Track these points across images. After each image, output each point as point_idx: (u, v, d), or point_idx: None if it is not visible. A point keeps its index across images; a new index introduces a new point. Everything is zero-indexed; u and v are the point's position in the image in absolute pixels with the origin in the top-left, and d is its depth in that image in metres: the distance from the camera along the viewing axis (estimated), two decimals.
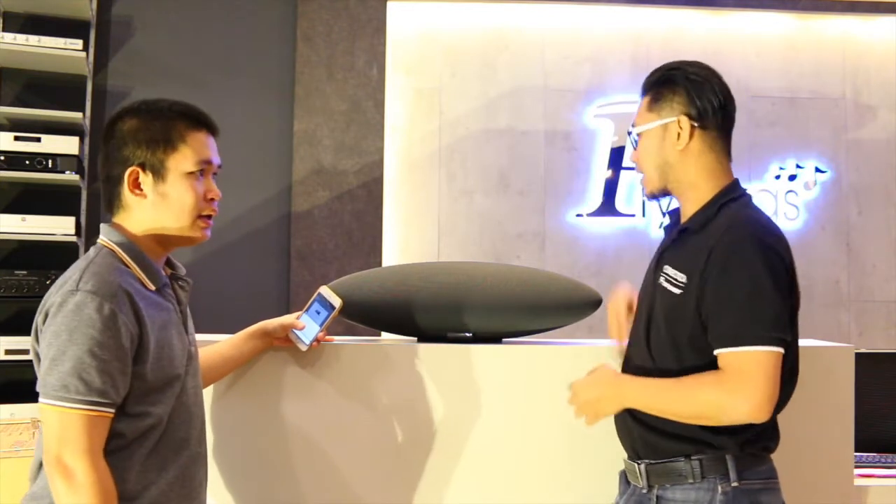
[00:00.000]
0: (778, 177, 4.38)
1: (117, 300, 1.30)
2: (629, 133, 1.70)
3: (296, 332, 1.76)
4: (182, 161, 1.41)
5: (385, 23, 4.13)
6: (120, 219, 1.43)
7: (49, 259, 3.62)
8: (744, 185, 4.47)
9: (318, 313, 1.75)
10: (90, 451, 1.25)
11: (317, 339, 1.76)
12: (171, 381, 1.39)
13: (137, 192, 1.40)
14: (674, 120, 1.57)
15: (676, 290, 1.52)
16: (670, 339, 1.53)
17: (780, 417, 1.85)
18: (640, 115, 1.64)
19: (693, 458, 1.49)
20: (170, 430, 1.39)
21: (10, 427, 2.88)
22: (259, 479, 1.80)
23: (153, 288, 1.40)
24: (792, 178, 4.38)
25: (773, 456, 1.64)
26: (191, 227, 1.44)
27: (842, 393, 1.88)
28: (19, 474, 2.73)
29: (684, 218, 1.62)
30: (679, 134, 1.56)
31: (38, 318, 1.34)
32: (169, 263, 1.51)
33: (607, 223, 4.22)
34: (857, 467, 2.16)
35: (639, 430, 1.56)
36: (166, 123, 1.42)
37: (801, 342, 2.11)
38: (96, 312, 1.27)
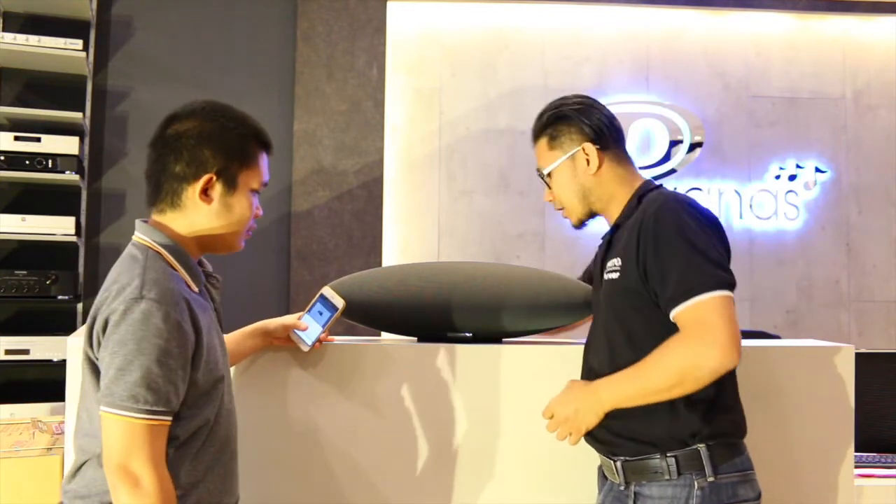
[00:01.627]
0: (778, 177, 4.38)
1: (179, 308, 1.30)
2: (539, 174, 1.75)
3: (298, 332, 1.76)
4: (252, 178, 1.44)
5: (385, 23, 4.13)
6: (168, 217, 1.41)
7: (49, 259, 3.62)
8: (744, 185, 4.48)
9: (321, 314, 1.75)
10: (155, 460, 1.27)
11: (319, 340, 1.76)
12: (216, 382, 1.41)
13: (204, 197, 1.39)
14: (578, 150, 1.67)
15: (616, 276, 1.58)
16: (621, 326, 1.56)
17: (780, 417, 1.85)
18: (543, 157, 1.73)
19: (668, 454, 1.51)
20: (216, 430, 1.41)
21: (10, 427, 2.88)
22: (258, 478, 1.80)
23: (196, 289, 1.41)
24: (792, 178, 4.38)
25: (773, 454, 1.65)
26: (238, 238, 1.47)
27: (842, 393, 1.88)
28: (19, 474, 2.73)
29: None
30: (588, 160, 1.67)
31: (97, 325, 1.32)
32: (199, 262, 1.51)
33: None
34: (857, 467, 2.16)
35: (612, 430, 1.57)
36: (243, 138, 1.43)
37: (801, 342, 2.12)
38: (163, 322, 1.27)
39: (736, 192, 4.35)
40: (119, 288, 1.31)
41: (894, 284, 4.41)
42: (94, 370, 1.34)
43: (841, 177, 4.41)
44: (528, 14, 4.30)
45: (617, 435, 1.56)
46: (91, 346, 1.34)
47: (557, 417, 1.58)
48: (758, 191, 4.37)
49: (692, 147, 4.34)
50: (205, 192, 1.39)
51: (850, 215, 4.41)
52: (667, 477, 1.50)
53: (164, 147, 1.40)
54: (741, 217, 4.35)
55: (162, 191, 1.40)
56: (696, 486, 1.49)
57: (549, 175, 1.71)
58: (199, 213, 1.40)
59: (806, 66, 4.42)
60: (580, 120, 1.68)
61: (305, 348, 1.75)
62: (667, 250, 1.48)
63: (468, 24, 4.29)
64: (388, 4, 4.16)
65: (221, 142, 1.40)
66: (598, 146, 1.66)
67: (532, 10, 4.30)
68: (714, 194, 4.33)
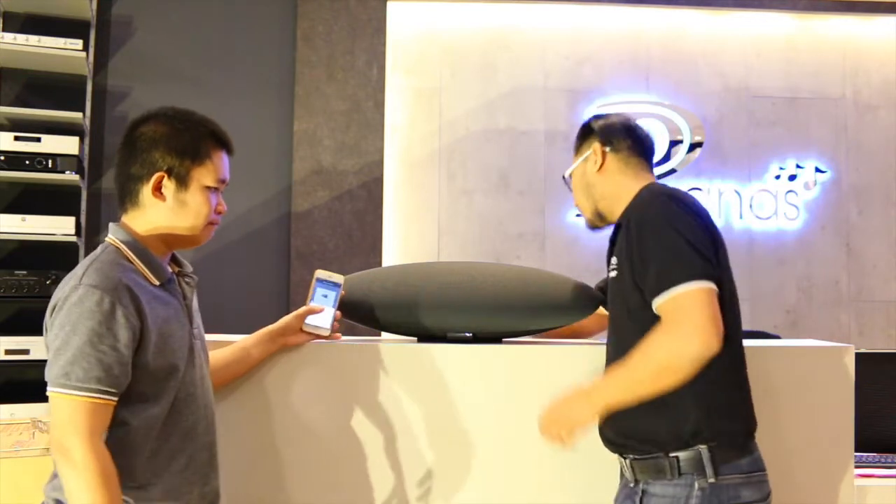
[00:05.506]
0: (778, 177, 4.38)
1: (118, 294, 1.36)
2: (564, 181, 1.88)
3: (312, 321, 1.77)
4: (205, 175, 1.50)
5: (385, 23, 4.13)
6: (130, 217, 1.50)
7: (49, 259, 3.61)
8: (744, 185, 4.52)
9: (325, 296, 1.77)
10: (88, 435, 1.31)
11: (335, 320, 1.78)
12: (172, 371, 1.45)
13: (158, 194, 1.48)
14: (590, 152, 1.77)
15: (615, 274, 1.65)
16: (624, 321, 1.60)
17: (780, 417, 1.85)
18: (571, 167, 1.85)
19: (671, 454, 1.53)
20: (176, 420, 1.45)
21: (10, 427, 2.88)
22: (258, 479, 1.80)
23: (157, 283, 1.46)
24: (792, 178, 4.38)
25: (773, 454, 1.65)
26: (198, 233, 1.53)
27: (842, 393, 1.88)
28: (19, 474, 2.73)
29: None
30: (595, 160, 1.75)
31: (48, 312, 1.40)
32: (175, 261, 1.58)
33: None
34: (857, 467, 2.16)
35: (622, 431, 1.60)
36: (197, 138, 1.50)
37: (801, 342, 2.12)
38: (96, 306, 1.34)
39: (736, 192, 4.35)
40: (67, 279, 1.40)
41: (894, 284, 4.40)
42: None
43: (841, 177, 4.41)
44: (528, 14, 4.30)
45: (626, 436, 1.60)
46: (47, 335, 1.41)
47: (550, 417, 1.60)
48: (758, 191, 4.36)
49: (692, 147, 4.34)
50: (158, 190, 1.47)
51: (850, 215, 4.41)
52: (669, 476, 1.52)
53: (125, 151, 1.50)
54: (741, 217, 4.35)
55: (124, 192, 1.51)
56: (696, 487, 1.50)
57: (570, 178, 1.83)
58: (156, 210, 1.48)
59: (806, 66, 4.42)
60: (596, 127, 1.79)
61: (326, 332, 1.77)
62: (649, 240, 1.53)
63: (468, 24, 4.29)
64: (388, 4, 4.15)
65: (172, 141, 1.48)
66: (606, 147, 1.74)
67: (532, 10, 4.30)
68: (714, 194, 4.33)
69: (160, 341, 1.42)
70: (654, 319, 1.50)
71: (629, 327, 1.58)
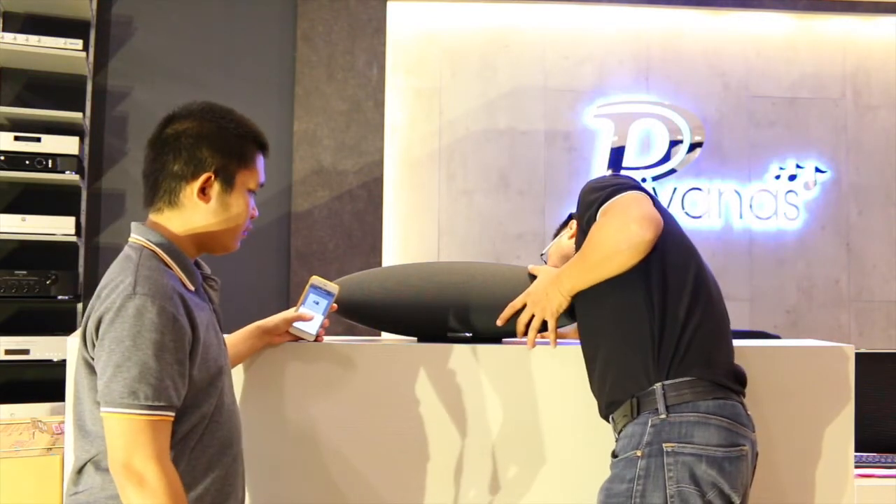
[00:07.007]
0: (778, 177, 4.38)
1: (173, 303, 1.30)
2: (541, 257, 2.25)
3: (299, 325, 1.76)
4: (249, 178, 1.46)
5: (385, 23, 4.13)
6: (165, 217, 1.42)
7: (49, 259, 3.62)
8: (744, 185, 4.56)
9: (317, 303, 1.76)
10: (159, 455, 1.26)
11: (322, 327, 1.77)
12: (213, 379, 1.41)
13: (202, 195, 1.41)
14: (565, 228, 2.17)
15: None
16: (582, 297, 1.73)
17: (780, 417, 1.85)
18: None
19: (634, 396, 1.57)
20: (214, 430, 1.40)
21: (10, 427, 2.88)
22: (257, 478, 1.80)
23: (192, 288, 1.41)
24: (792, 178, 4.38)
25: (773, 454, 1.64)
26: (233, 238, 1.48)
27: (842, 393, 1.88)
28: (19, 474, 2.73)
29: None
30: (570, 233, 2.10)
31: (90, 325, 1.32)
32: (196, 264, 1.51)
33: None
34: (857, 467, 2.16)
35: (605, 400, 1.67)
36: (242, 139, 1.46)
37: (801, 342, 2.12)
38: (158, 316, 1.27)
39: (736, 192, 4.35)
40: (112, 287, 1.31)
41: (894, 284, 4.41)
42: (91, 371, 1.33)
43: (841, 177, 4.41)
44: (528, 14, 4.30)
45: (609, 397, 1.65)
46: (86, 347, 1.34)
47: (530, 299, 1.76)
48: (758, 191, 4.37)
49: (692, 147, 4.34)
50: (202, 191, 1.41)
51: (850, 215, 4.41)
52: (632, 416, 1.57)
53: (163, 146, 1.41)
54: (741, 217, 4.35)
55: (160, 190, 1.41)
56: (649, 424, 1.53)
57: (547, 254, 2.20)
58: (196, 211, 1.41)
59: (806, 66, 4.42)
60: (574, 214, 2.04)
61: (310, 338, 1.76)
62: (585, 197, 1.72)
63: (468, 24, 4.29)
64: (388, 4, 4.16)
65: (220, 141, 1.42)
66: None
67: (532, 10, 4.30)
68: (714, 194, 4.34)
69: (204, 350, 1.37)
70: (606, 290, 1.63)
71: (589, 300, 1.68)
